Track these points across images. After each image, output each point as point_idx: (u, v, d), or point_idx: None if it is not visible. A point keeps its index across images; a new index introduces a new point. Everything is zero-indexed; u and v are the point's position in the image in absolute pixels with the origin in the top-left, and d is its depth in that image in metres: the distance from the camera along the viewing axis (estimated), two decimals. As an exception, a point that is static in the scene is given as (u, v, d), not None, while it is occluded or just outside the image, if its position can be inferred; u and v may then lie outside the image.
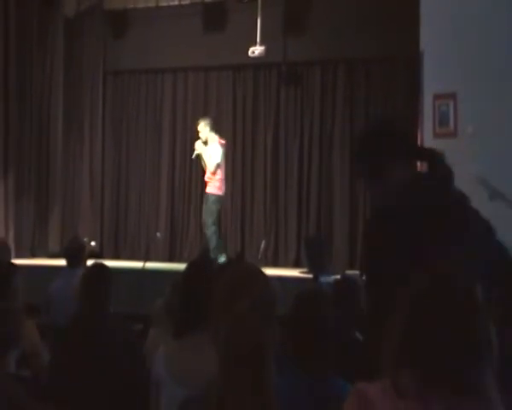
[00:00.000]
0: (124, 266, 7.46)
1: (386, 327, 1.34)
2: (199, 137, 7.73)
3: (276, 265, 8.25)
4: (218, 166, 7.59)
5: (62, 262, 5.20)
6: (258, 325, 1.55)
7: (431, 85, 6.59)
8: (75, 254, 4.94)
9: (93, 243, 8.62)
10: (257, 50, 8.16)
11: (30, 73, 8.67)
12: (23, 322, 2.89)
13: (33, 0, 8.66)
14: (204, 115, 8.38)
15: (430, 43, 6.60)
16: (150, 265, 7.40)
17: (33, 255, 8.56)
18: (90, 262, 6.76)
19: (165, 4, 9.12)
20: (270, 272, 6.86)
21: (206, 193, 7.83)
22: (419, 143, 6.86)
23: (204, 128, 7.72)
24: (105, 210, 9.43)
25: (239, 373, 1.46)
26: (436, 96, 6.54)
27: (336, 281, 3.82)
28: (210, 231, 7.71)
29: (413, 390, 1.26)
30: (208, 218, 7.74)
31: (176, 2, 9.09)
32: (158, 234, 8.37)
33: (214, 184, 7.67)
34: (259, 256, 7.41)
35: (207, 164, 7.68)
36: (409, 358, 1.29)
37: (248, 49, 8.16)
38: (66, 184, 9.35)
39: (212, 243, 7.67)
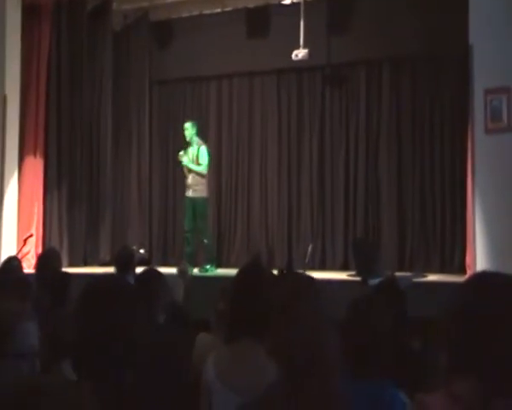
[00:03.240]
0: (172, 272, 7.53)
1: (445, 337, 1.30)
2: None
3: (323, 268, 8.20)
4: (206, 169, 7.78)
5: (113, 270, 5.29)
6: (323, 327, 1.53)
7: (481, 80, 6.44)
8: (124, 261, 5.02)
9: (142, 251, 8.74)
10: (300, 53, 8.14)
11: (80, 85, 8.90)
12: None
13: (83, 15, 8.91)
14: (249, 120, 8.40)
15: (480, 36, 6.44)
16: (198, 271, 7.45)
17: (85, 264, 8.76)
18: (138, 270, 6.89)
19: (208, 12, 9.21)
20: (317, 275, 6.79)
21: (191, 198, 7.78)
22: (469, 139, 6.72)
23: (191, 129, 7.88)
24: (153, 218, 9.56)
25: (307, 380, 1.44)
26: (487, 91, 6.38)
27: (381, 283, 3.68)
28: (209, 236, 7.74)
29: (478, 403, 1.22)
30: (205, 223, 7.79)
31: (219, 10, 9.16)
32: (205, 240, 8.42)
33: (203, 187, 7.76)
34: (307, 260, 7.37)
35: (198, 167, 7.73)
36: (473, 370, 1.24)
37: (292, 53, 8.15)
38: (116, 193, 9.52)
39: (210, 249, 7.67)
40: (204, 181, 7.84)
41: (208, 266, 7.64)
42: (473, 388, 1.23)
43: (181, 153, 7.92)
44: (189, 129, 7.94)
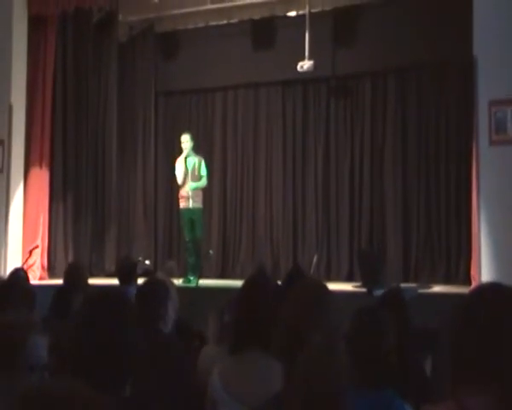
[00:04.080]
0: (177, 283, 7.53)
1: (451, 348, 1.30)
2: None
3: (328, 279, 8.16)
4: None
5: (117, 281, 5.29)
6: (340, 356, 1.55)
7: (486, 91, 6.44)
8: (126, 272, 5.03)
9: (147, 262, 8.74)
10: (306, 65, 8.17)
11: (86, 96, 8.95)
12: None
13: (89, 26, 8.98)
14: (254, 132, 8.40)
15: (484, 48, 6.44)
16: (203, 282, 7.45)
17: (91, 275, 8.75)
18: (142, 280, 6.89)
19: (214, 24, 9.25)
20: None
21: (187, 209, 7.83)
22: (474, 151, 6.72)
23: (190, 141, 7.92)
24: (158, 229, 9.56)
25: (320, 404, 1.46)
26: (492, 103, 6.38)
27: (385, 294, 3.64)
28: (198, 244, 7.80)
29: None
30: (198, 231, 7.81)
31: (224, 22, 9.21)
32: (210, 251, 8.42)
33: (200, 198, 7.85)
34: (312, 271, 7.36)
35: (200, 183, 7.83)
36: (480, 382, 1.23)
37: (297, 65, 8.18)
38: (121, 204, 9.54)
39: (198, 261, 7.72)
40: (201, 193, 7.95)
41: (192, 278, 7.60)
42: (486, 401, 1.22)
43: (180, 160, 7.92)
44: (189, 141, 7.96)
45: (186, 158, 7.91)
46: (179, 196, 8.01)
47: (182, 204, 7.94)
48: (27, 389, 0.80)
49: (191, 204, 7.81)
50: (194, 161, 7.91)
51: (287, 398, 1.61)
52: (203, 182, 7.93)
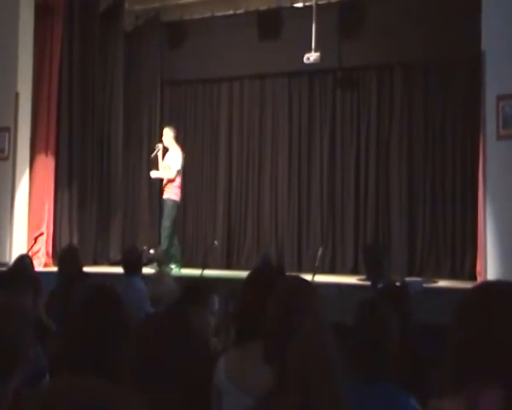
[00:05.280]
0: (182, 274, 7.55)
1: (458, 341, 1.29)
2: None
3: (333, 272, 8.18)
4: (178, 172, 7.89)
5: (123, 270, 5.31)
6: (329, 340, 1.55)
7: (493, 86, 6.41)
8: (132, 262, 5.05)
9: (152, 251, 8.75)
10: (312, 57, 8.14)
11: (92, 85, 8.94)
12: None
13: (95, 15, 8.96)
14: (260, 123, 8.38)
15: (492, 42, 6.41)
16: (208, 272, 7.45)
17: (96, 263, 8.79)
18: (149, 269, 6.92)
19: (220, 14, 9.22)
20: (327, 279, 6.73)
21: (163, 199, 8.05)
22: (481, 145, 6.69)
23: (168, 134, 8.00)
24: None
25: (316, 389, 1.47)
26: (500, 97, 6.34)
27: (387, 288, 3.62)
28: (164, 233, 7.90)
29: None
30: (164, 221, 7.93)
31: (231, 12, 9.17)
32: (215, 242, 8.43)
33: (172, 191, 7.92)
34: (317, 264, 7.35)
35: (168, 171, 7.90)
36: (489, 375, 1.23)
37: (303, 56, 8.15)
38: (127, 193, 9.55)
39: (164, 245, 7.85)
40: (172, 185, 7.95)
41: (173, 266, 7.67)
42: (494, 396, 1.22)
43: (158, 147, 8.02)
44: (167, 133, 8.04)
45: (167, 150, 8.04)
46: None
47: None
48: (49, 389, 0.80)
49: (164, 195, 8.00)
50: (170, 155, 8.00)
51: (281, 386, 1.62)
52: (170, 171, 7.93)
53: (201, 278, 3.32)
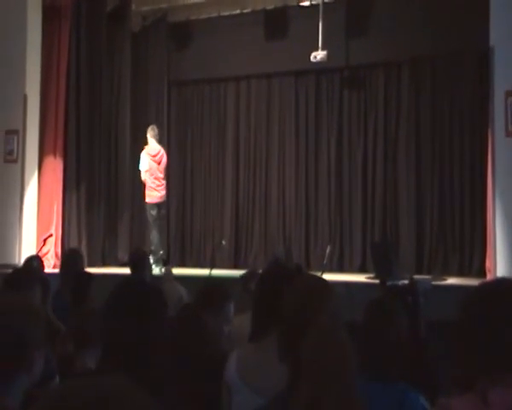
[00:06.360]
0: (190, 273, 7.56)
1: (468, 339, 1.29)
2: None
3: (341, 270, 8.17)
4: (144, 174, 8.07)
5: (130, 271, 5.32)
6: (344, 338, 1.56)
7: (502, 81, 6.37)
8: (138, 263, 5.07)
9: (160, 252, 8.76)
10: (319, 55, 8.12)
11: (99, 86, 8.97)
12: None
13: (102, 16, 8.99)
14: (267, 122, 8.37)
15: (501, 38, 6.38)
16: (216, 272, 7.47)
17: (104, 264, 8.82)
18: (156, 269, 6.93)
19: (226, 14, 9.22)
20: (335, 277, 6.72)
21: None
22: (489, 141, 6.66)
23: (148, 133, 8.17)
24: (171, 219, 9.59)
25: (330, 386, 1.48)
26: (508, 93, 6.31)
27: (397, 286, 3.65)
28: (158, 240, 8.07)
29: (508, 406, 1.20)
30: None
31: (237, 11, 9.17)
32: (223, 241, 8.44)
33: (146, 193, 8.12)
34: (325, 262, 7.34)
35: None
36: (496, 374, 1.23)
37: (310, 55, 8.14)
38: (134, 194, 9.56)
39: (157, 250, 8.00)
40: (147, 187, 8.11)
41: (153, 266, 7.65)
42: (505, 392, 1.21)
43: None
44: (150, 132, 8.19)
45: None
46: None
47: None
48: (63, 389, 0.80)
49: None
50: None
51: (295, 385, 1.62)
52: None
53: (217, 283, 3.27)
